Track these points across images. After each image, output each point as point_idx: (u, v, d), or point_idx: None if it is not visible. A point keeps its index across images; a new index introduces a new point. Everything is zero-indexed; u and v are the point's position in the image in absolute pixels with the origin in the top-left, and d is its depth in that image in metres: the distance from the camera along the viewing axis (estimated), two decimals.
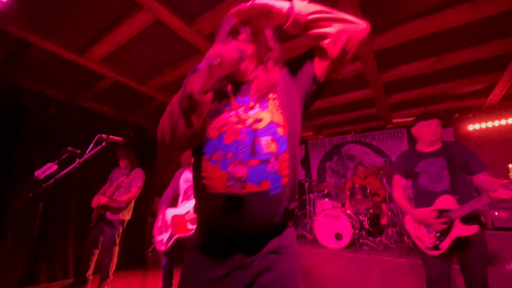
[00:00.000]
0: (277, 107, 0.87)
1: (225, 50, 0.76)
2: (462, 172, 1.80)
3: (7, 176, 3.09)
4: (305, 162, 5.90)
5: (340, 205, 4.04)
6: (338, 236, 3.48)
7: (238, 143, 0.82)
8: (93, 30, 2.57)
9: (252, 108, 0.87)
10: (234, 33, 0.90)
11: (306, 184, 4.51)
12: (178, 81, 3.37)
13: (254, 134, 0.83)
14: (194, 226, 1.21)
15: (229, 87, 0.91)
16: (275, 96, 0.89)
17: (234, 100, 0.89)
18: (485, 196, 1.62)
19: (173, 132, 0.79)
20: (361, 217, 3.76)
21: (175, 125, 0.78)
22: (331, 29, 0.83)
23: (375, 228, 3.92)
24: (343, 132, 5.51)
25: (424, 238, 1.80)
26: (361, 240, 3.49)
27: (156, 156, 5.22)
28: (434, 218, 1.73)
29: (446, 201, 1.76)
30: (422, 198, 1.87)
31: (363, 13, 2.24)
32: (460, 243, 1.68)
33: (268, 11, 0.82)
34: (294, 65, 0.96)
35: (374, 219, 4.10)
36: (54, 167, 2.06)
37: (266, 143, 0.82)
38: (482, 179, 1.74)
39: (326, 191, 4.64)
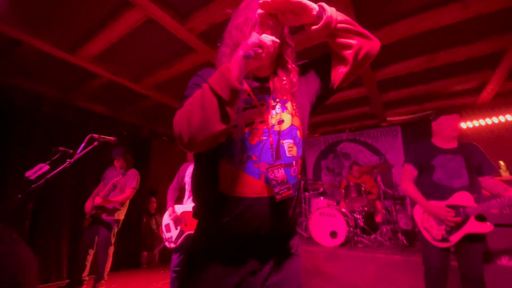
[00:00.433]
0: (295, 109, 0.86)
1: (266, 41, 0.70)
2: (475, 173, 1.86)
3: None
4: None
5: (335, 203, 4.06)
6: (333, 234, 3.49)
7: (262, 144, 0.77)
8: (84, 29, 2.54)
9: (274, 107, 0.83)
10: (261, 24, 0.81)
11: (302, 182, 4.50)
12: (172, 79, 3.35)
13: (279, 136, 0.80)
14: None
15: (245, 84, 0.82)
16: (292, 98, 0.88)
17: (253, 97, 0.82)
18: (505, 200, 1.67)
19: (205, 127, 0.67)
20: (356, 215, 3.78)
21: (210, 119, 0.67)
22: (354, 41, 0.82)
23: (370, 226, 3.95)
24: (338, 130, 5.53)
25: (432, 230, 1.83)
26: (356, 238, 3.52)
27: (150, 155, 5.19)
28: (452, 216, 1.74)
29: (464, 198, 1.78)
30: (435, 191, 1.87)
31: (356, 12, 2.24)
32: (467, 238, 1.73)
33: (300, 9, 0.76)
34: (308, 69, 0.95)
35: (369, 217, 4.13)
36: (45, 167, 2.03)
37: (289, 147, 0.80)
38: (492, 181, 1.84)
39: (322, 189, 4.66)
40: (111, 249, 3.07)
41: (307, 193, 4.50)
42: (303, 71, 0.94)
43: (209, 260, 0.78)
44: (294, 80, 0.87)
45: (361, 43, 0.82)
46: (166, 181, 5.21)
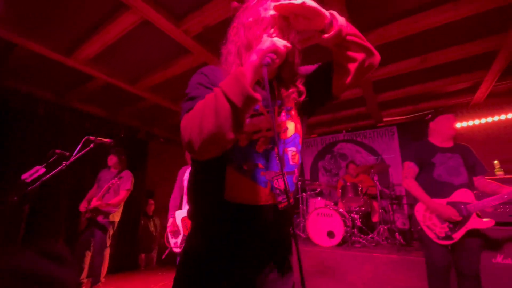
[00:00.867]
0: (297, 117, 0.87)
1: (281, 46, 0.68)
2: (471, 172, 1.93)
3: None
4: None
5: (332, 203, 4.07)
6: (331, 234, 3.50)
7: (268, 152, 0.77)
8: (80, 31, 2.54)
9: (279, 115, 0.83)
10: (273, 26, 0.79)
11: (299, 183, 4.53)
12: (168, 81, 3.36)
13: (284, 145, 0.80)
14: None
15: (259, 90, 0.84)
16: (296, 106, 0.88)
17: (261, 103, 0.79)
18: (505, 196, 1.73)
19: (218, 135, 0.64)
20: (353, 215, 3.79)
21: (223, 127, 0.63)
22: (360, 55, 0.79)
23: (367, 226, 3.96)
24: (335, 131, 5.55)
25: (434, 228, 1.84)
26: (353, 238, 3.52)
27: (148, 157, 5.18)
28: (454, 213, 1.77)
29: (465, 194, 1.82)
30: (436, 188, 1.90)
31: (349, 13, 2.27)
32: (467, 234, 1.76)
33: (314, 14, 0.73)
34: (310, 76, 0.93)
35: (366, 217, 4.15)
36: (41, 170, 2.03)
37: (292, 155, 0.82)
38: (484, 181, 1.91)
39: (319, 189, 4.67)
40: (107, 251, 3.06)
41: (304, 194, 4.51)
42: (305, 76, 0.93)
43: (207, 263, 0.77)
44: (301, 88, 0.88)
45: (366, 57, 0.80)
46: (163, 183, 5.24)
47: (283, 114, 0.83)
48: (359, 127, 5.29)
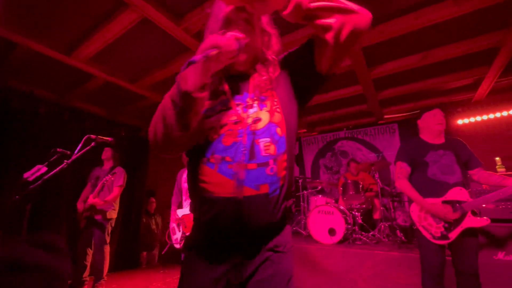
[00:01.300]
0: (276, 105, 0.83)
1: (223, 40, 0.69)
2: (464, 168, 1.90)
3: None
4: (299, 159, 5.92)
5: (333, 201, 4.07)
6: (332, 232, 3.51)
7: (237, 145, 0.78)
8: (79, 30, 2.54)
9: (251, 106, 0.82)
10: (228, 21, 0.81)
11: (300, 181, 4.53)
12: (169, 79, 3.36)
13: (253, 136, 0.79)
14: None
15: (226, 84, 0.85)
16: (273, 93, 0.84)
17: (231, 97, 0.83)
18: (509, 190, 1.69)
19: (167, 134, 0.72)
20: (354, 212, 3.79)
21: (169, 127, 0.71)
22: (333, 20, 0.71)
23: (368, 223, 3.96)
24: (336, 128, 5.54)
25: (430, 228, 1.82)
26: (354, 235, 3.53)
27: (149, 155, 5.19)
28: (450, 212, 1.74)
29: (459, 193, 1.79)
30: (431, 187, 1.87)
31: None
32: (463, 233, 1.74)
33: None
34: (292, 59, 0.89)
35: (367, 214, 4.15)
36: (43, 169, 2.05)
37: (265, 145, 0.78)
38: (485, 173, 1.87)
39: (320, 187, 4.67)
40: (107, 248, 3.08)
41: (305, 191, 4.51)
42: (287, 62, 0.90)
43: (195, 256, 0.83)
44: (274, 75, 0.85)
45: (342, 21, 0.71)
46: (164, 181, 5.25)
47: (255, 105, 0.82)
48: (360, 125, 5.28)
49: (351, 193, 3.80)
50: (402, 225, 4.29)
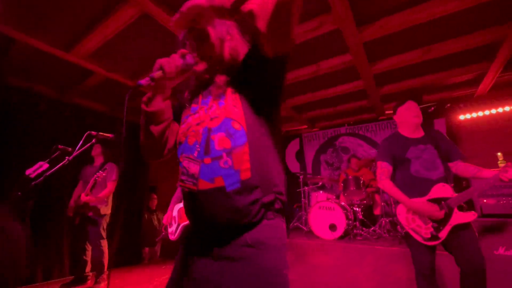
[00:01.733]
0: (235, 101, 0.86)
1: (165, 61, 0.84)
2: (445, 160, 1.83)
3: None
4: (300, 155, 5.92)
5: (334, 197, 4.08)
6: (333, 227, 3.52)
7: (196, 143, 0.85)
8: (78, 26, 2.53)
9: (212, 107, 0.88)
10: (183, 42, 0.93)
11: (301, 177, 4.54)
12: None
13: (209, 133, 0.84)
14: None
15: (186, 93, 0.98)
16: (234, 90, 0.88)
17: (200, 103, 0.93)
18: (490, 180, 1.63)
19: (141, 142, 0.94)
20: (355, 208, 3.80)
21: (141, 136, 0.93)
22: (254, 4, 0.72)
23: (369, 219, 3.98)
24: (337, 124, 5.53)
25: (420, 230, 1.74)
26: (355, 231, 3.54)
27: None
28: (437, 210, 1.68)
29: (443, 189, 1.73)
30: (416, 186, 1.79)
31: (351, 5, 2.23)
32: (454, 229, 1.68)
33: (200, 11, 0.82)
34: (248, 52, 0.91)
35: (368, 210, 4.16)
36: (45, 165, 2.06)
37: (219, 140, 0.82)
38: (462, 165, 1.80)
39: (321, 183, 4.68)
40: (105, 243, 3.08)
41: (306, 187, 4.52)
42: (247, 56, 0.91)
43: (182, 247, 0.92)
44: (231, 75, 0.90)
45: (262, 2, 0.69)
46: (166, 177, 5.27)
47: (215, 105, 0.88)
48: (361, 121, 5.27)
49: (352, 189, 3.80)
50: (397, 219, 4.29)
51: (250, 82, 0.88)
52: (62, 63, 3.02)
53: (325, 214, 3.65)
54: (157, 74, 0.83)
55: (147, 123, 0.90)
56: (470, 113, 4.24)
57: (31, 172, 2.00)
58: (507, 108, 3.98)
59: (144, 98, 0.89)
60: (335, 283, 3.01)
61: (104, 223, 3.14)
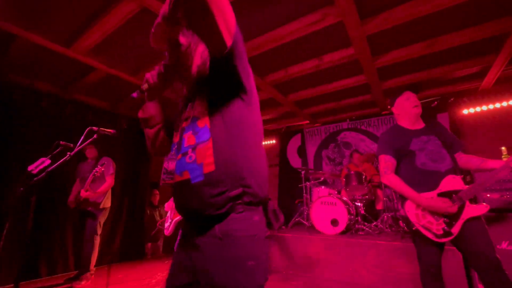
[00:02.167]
0: (202, 100, 0.92)
1: (149, 74, 0.99)
2: (451, 151, 1.73)
3: (0, 171, 3.08)
4: (302, 151, 5.91)
5: (336, 192, 4.08)
6: (334, 222, 3.52)
7: (175, 143, 0.96)
8: (78, 21, 2.51)
9: (186, 109, 0.98)
10: (164, 56, 1.04)
11: (303, 172, 4.53)
12: None
13: (182, 132, 0.93)
14: None
15: (181, 102, 1.07)
16: (201, 90, 0.95)
17: (186, 108, 1.01)
18: (500, 170, 1.53)
19: (146, 144, 1.12)
20: (357, 203, 3.80)
21: (145, 137, 1.10)
22: (179, 10, 0.81)
23: (371, 214, 3.98)
24: (339, 119, 5.50)
25: (431, 226, 1.61)
26: (357, 226, 3.54)
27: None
28: (450, 205, 1.55)
29: (454, 182, 1.61)
30: (424, 179, 1.66)
31: None
32: (466, 223, 1.57)
33: (162, 27, 0.88)
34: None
35: (370, 205, 4.16)
36: (47, 161, 2.06)
37: (188, 138, 0.90)
38: (465, 156, 1.72)
39: (322, 178, 4.67)
40: (97, 239, 3.10)
41: (308, 183, 4.52)
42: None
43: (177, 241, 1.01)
44: (195, 77, 0.95)
45: (182, 6, 0.79)
46: None
47: (189, 107, 0.97)
48: (363, 115, 5.23)
49: (354, 184, 3.79)
50: (405, 216, 4.29)
51: (210, 80, 0.93)
52: (62, 59, 3.01)
53: (327, 209, 3.64)
54: (144, 86, 0.98)
55: (144, 127, 1.07)
56: (474, 107, 4.20)
57: (33, 168, 2.01)
58: (511, 102, 3.93)
59: (142, 107, 1.06)
60: (337, 278, 3.02)
61: (102, 218, 3.16)
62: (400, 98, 1.89)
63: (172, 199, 2.99)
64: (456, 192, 1.59)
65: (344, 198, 3.78)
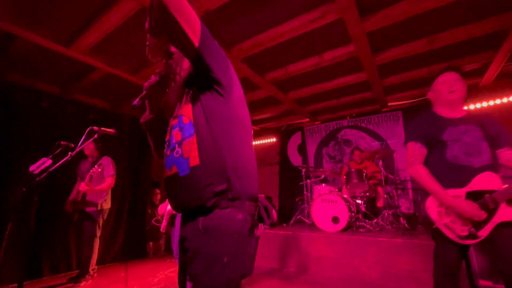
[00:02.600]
0: (188, 99, 0.99)
1: (147, 83, 1.07)
2: (493, 147, 1.50)
3: (1, 171, 3.08)
4: (302, 149, 5.91)
5: (337, 189, 4.09)
6: (335, 220, 3.53)
7: (166, 141, 1.03)
8: (78, 20, 2.50)
9: (177, 109, 1.05)
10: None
11: (303, 170, 4.54)
12: None
13: (171, 129, 1.00)
14: None
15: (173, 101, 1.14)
16: (187, 90, 1.03)
17: (177, 107, 1.08)
18: None
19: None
20: (357, 201, 3.81)
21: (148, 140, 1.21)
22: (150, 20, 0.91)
23: (372, 211, 3.99)
24: (339, 117, 5.50)
25: (454, 226, 1.41)
26: (357, 223, 3.55)
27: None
28: (477, 212, 1.35)
29: (489, 179, 1.40)
30: (453, 174, 1.46)
31: None
32: (498, 227, 1.37)
33: (153, 40, 0.99)
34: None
35: (371, 202, 4.16)
36: (48, 161, 2.07)
37: (175, 134, 0.96)
38: (508, 153, 1.48)
39: (323, 176, 4.68)
40: (97, 242, 3.08)
41: (308, 181, 4.53)
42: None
43: None
44: (181, 78, 1.07)
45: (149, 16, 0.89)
46: None
47: (177, 106, 1.05)
48: (364, 113, 5.23)
49: (354, 181, 3.80)
50: (406, 213, 4.30)
51: (193, 80, 1.02)
52: (63, 59, 3.00)
53: (328, 207, 3.65)
54: (143, 94, 1.06)
55: (145, 131, 1.17)
56: (474, 103, 4.19)
57: (34, 168, 2.01)
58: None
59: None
60: (338, 275, 3.04)
61: (101, 220, 3.14)
62: (436, 81, 1.63)
63: (167, 201, 3.00)
64: (490, 192, 1.38)
65: (345, 196, 3.79)
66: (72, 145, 2.31)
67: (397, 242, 2.81)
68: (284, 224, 4.42)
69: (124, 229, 4.33)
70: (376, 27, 2.61)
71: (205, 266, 0.81)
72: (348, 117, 5.40)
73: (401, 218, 3.54)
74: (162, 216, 2.96)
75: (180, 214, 1.08)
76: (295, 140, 6.05)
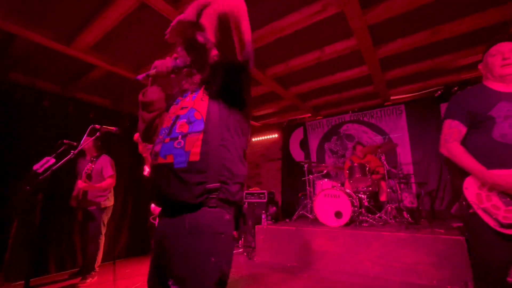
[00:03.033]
0: (204, 96, 0.99)
1: (159, 62, 1.05)
2: None
3: (4, 171, 3.11)
4: (304, 144, 5.90)
5: (339, 184, 4.08)
6: (338, 215, 3.53)
7: (166, 127, 0.99)
8: (77, 18, 2.49)
9: (185, 100, 1.04)
10: (177, 49, 1.10)
11: (306, 165, 4.53)
12: None
13: (176, 119, 0.98)
14: None
15: (176, 89, 1.14)
16: (206, 87, 1.02)
17: (182, 97, 1.09)
18: None
19: (138, 127, 1.14)
20: (360, 195, 3.80)
21: (139, 121, 1.13)
22: (203, 17, 0.84)
23: (375, 205, 3.98)
24: (341, 112, 5.47)
25: (496, 212, 1.24)
26: (360, 217, 3.55)
27: None
28: None
29: None
30: (498, 153, 1.28)
31: None
32: None
33: (183, 25, 0.91)
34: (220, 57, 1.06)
35: (374, 197, 4.16)
36: (51, 160, 2.09)
37: (180, 125, 0.94)
38: None
39: (325, 171, 4.67)
40: (102, 239, 3.11)
41: (311, 176, 4.52)
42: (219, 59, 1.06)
43: None
44: (204, 75, 1.05)
45: (207, 15, 0.82)
46: None
47: (188, 98, 1.03)
48: (366, 107, 5.19)
49: (357, 176, 3.79)
50: (409, 207, 4.30)
51: (216, 82, 1.00)
52: (63, 58, 3.00)
53: (331, 201, 3.65)
54: (152, 72, 1.05)
55: (142, 110, 1.10)
56: None
57: (38, 167, 2.03)
58: None
59: (143, 91, 1.09)
60: (341, 270, 3.05)
61: (105, 218, 3.17)
62: (488, 53, 1.44)
63: None
64: None
65: (348, 190, 3.78)
66: (75, 143, 2.33)
67: (400, 236, 2.81)
68: (287, 220, 4.44)
69: (128, 226, 4.38)
70: (377, 19, 2.58)
71: (193, 268, 0.80)
72: (350, 112, 5.37)
73: (404, 212, 3.53)
74: (155, 217, 2.95)
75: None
76: (297, 136, 6.04)
